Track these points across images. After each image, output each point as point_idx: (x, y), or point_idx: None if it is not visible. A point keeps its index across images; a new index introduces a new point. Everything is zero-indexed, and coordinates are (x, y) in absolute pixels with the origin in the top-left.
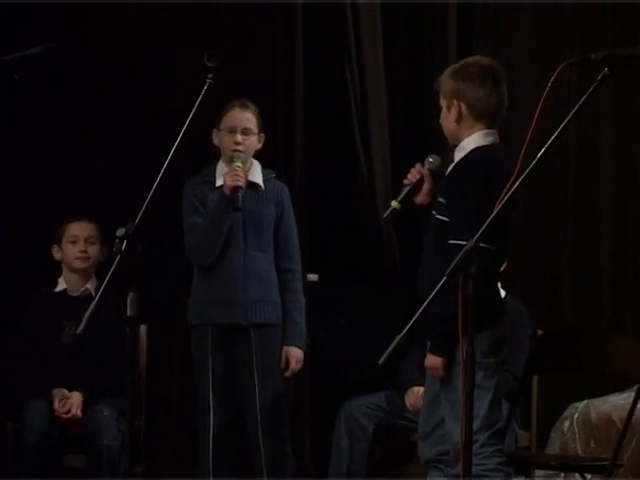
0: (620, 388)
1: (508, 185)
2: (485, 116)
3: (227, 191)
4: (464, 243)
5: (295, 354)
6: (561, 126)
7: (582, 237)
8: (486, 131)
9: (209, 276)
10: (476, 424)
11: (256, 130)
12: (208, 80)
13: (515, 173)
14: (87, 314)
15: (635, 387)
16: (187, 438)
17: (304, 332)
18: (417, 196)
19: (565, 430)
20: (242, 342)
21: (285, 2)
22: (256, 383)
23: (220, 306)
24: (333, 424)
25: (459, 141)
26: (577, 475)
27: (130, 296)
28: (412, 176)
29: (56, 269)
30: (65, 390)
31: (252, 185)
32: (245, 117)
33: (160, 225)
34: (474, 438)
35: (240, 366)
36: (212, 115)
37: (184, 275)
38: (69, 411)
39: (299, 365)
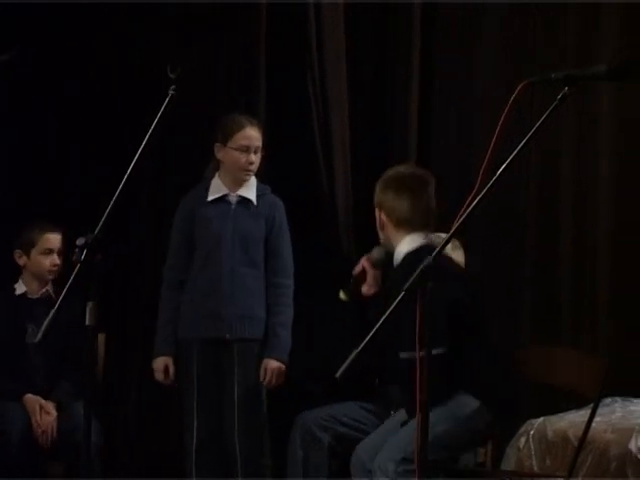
0: (576, 405)
1: (469, 199)
2: (404, 223)
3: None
4: None
5: (273, 367)
6: (521, 144)
7: (542, 250)
8: (412, 236)
9: (196, 290)
10: None
11: (262, 148)
12: (170, 92)
13: (476, 188)
14: (46, 322)
15: (591, 405)
16: (145, 447)
17: (287, 345)
18: (363, 286)
19: (521, 446)
20: (225, 356)
21: (248, 2)
22: (236, 397)
23: (206, 320)
24: (289, 436)
25: (395, 247)
26: None
27: (89, 305)
28: (358, 267)
29: (11, 272)
30: (41, 400)
31: (244, 200)
32: (257, 136)
33: (122, 235)
34: None
35: (222, 379)
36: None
37: (145, 285)
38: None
39: (280, 379)
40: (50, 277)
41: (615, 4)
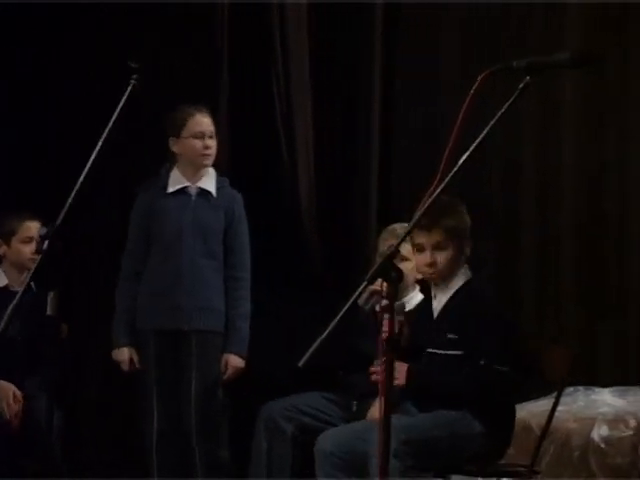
0: (539, 395)
1: (430, 190)
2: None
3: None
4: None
5: (234, 362)
6: (483, 133)
7: (505, 242)
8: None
9: (155, 281)
10: None
11: (216, 135)
12: (132, 81)
13: (437, 178)
14: (8, 312)
15: (554, 394)
16: (108, 436)
17: (246, 339)
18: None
19: None
20: (184, 348)
21: (211, 2)
22: (193, 389)
23: (164, 311)
24: (253, 426)
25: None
26: None
27: (50, 295)
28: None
29: None
30: (14, 387)
31: (203, 192)
32: (208, 121)
33: (84, 225)
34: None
35: (180, 370)
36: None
37: (106, 275)
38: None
39: (238, 372)
40: (31, 265)
41: (579, 4)
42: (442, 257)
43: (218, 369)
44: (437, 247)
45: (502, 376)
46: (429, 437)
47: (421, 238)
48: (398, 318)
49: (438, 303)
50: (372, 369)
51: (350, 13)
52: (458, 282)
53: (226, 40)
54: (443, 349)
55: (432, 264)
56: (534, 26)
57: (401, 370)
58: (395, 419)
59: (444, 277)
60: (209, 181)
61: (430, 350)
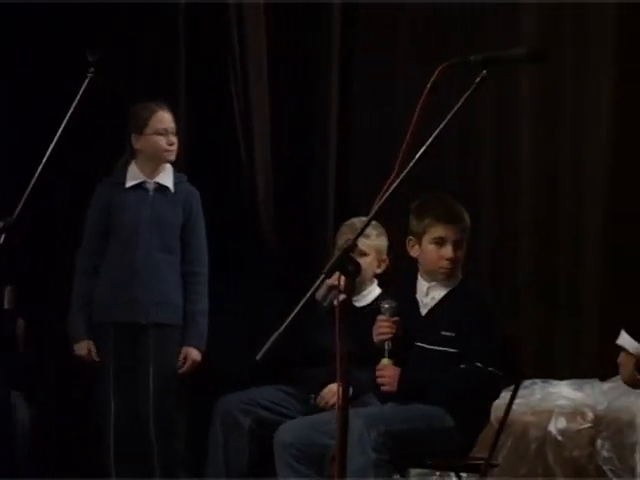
0: None
1: (388, 183)
2: None
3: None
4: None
5: (193, 355)
6: (440, 127)
7: None
8: None
9: (113, 275)
10: None
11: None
12: (89, 74)
13: (395, 171)
14: None
15: (511, 387)
16: (67, 430)
17: (204, 333)
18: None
19: None
20: (141, 341)
21: (168, 2)
22: (151, 382)
23: (122, 305)
24: (210, 420)
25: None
26: (452, 474)
27: (7, 289)
28: (388, 329)
29: None
30: None
31: (161, 187)
32: (170, 118)
33: (42, 219)
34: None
35: (138, 364)
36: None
37: (64, 270)
38: None
39: (195, 366)
40: None
41: (533, 5)
42: (460, 253)
43: (176, 362)
44: (459, 242)
45: (492, 377)
46: (408, 430)
47: (444, 232)
48: (396, 319)
49: (431, 299)
50: (378, 370)
51: (308, 13)
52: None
53: (184, 39)
54: (436, 345)
55: (454, 260)
56: (489, 26)
57: (392, 375)
58: (374, 410)
59: (453, 274)
60: (167, 176)
61: (421, 345)
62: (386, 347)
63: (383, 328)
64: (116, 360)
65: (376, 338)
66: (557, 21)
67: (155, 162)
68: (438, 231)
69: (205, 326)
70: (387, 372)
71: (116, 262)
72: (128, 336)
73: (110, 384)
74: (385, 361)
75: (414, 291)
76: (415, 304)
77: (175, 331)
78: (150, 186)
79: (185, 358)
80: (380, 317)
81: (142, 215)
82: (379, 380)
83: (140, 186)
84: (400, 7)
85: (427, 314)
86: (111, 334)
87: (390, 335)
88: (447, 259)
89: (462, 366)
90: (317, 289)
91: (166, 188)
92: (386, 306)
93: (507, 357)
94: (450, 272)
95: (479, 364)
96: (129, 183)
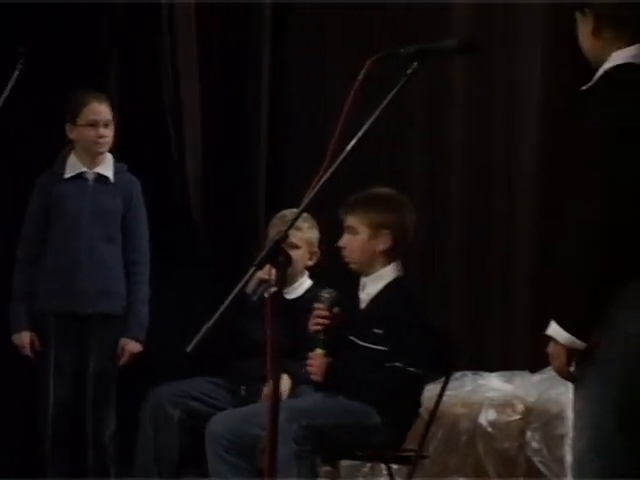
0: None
1: (319, 175)
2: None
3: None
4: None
5: (131, 347)
6: (370, 120)
7: None
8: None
9: (54, 266)
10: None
11: (112, 119)
12: (19, 66)
13: (325, 165)
14: None
15: (442, 379)
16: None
17: (144, 324)
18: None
19: None
20: (83, 331)
21: (99, 3)
22: (91, 371)
23: (64, 295)
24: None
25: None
26: (383, 466)
27: None
28: (322, 321)
29: None
30: None
31: (101, 177)
32: (104, 110)
33: None
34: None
35: (79, 354)
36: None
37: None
38: None
39: (134, 357)
40: None
41: (463, 4)
42: (353, 242)
43: (116, 353)
44: (349, 231)
45: (412, 377)
46: (331, 424)
47: (349, 221)
48: (335, 310)
49: (366, 295)
50: (309, 359)
51: (239, 13)
52: (389, 276)
53: (116, 40)
54: (367, 342)
55: (343, 248)
56: (419, 25)
57: (320, 365)
58: (298, 403)
59: (360, 265)
60: (107, 166)
61: (353, 339)
62: (321, 337)
63: (318, 319)
64: (57, 350)
65: (310, 328)
66: (488, 21)
67: (90, 153)
68: (346, 220)
69: (146, 316)
70: (315, 362)
71: (58, 253)
72: (70, 326)
73: (50, 374)
74: (318, 351)
75: (357, 286)
76: (356, 299)
77: (118, 321)
78: (90, 176)
79: (123, 350)
80: (317, 306)
81: (82, 205)
82: (308, 369)
83: (80, 176)
84: (331, 6)
85: (363, 310)
86: (53, 324)
87: (322, 327)
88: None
89: (385, 365)
90: (248, 281)
91: (106, 178)
92: (326, 295)
93: (437, 350)
94: (349, 262)
95: (399, 364)
96: (68, 174)
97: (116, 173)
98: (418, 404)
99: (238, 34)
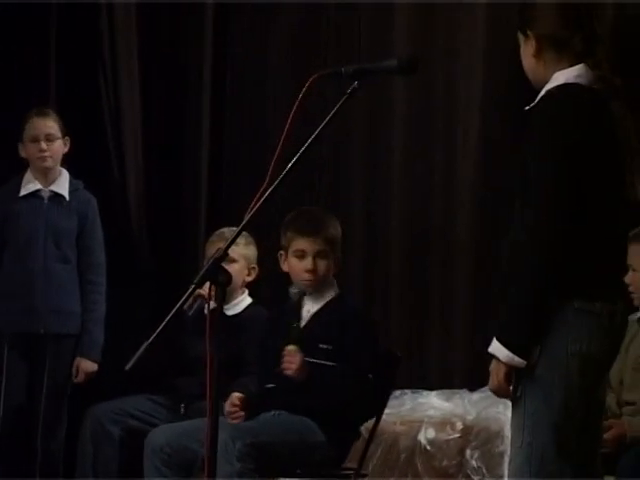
0: None
1: (259, 194)
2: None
3: None
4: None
5: (86, 366)
6: (311, 138)
7: None
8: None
9: (9, 285)
10: None
11: (59, 134)
12: None
13: (267, 180)
14: None
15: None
16: None
17: (99, 343)
18: None
19: None
20: (38, 350)
21: (39, 2)
22: (44, 390)
23: (18, 314)
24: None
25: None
26: None
27: None
28: (292, 366)
29: None
30: None
31: (57, 196)
32: (45, 124)
33: None
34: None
35: (32, 373)
36: None
37: None
38: None
39: (90, 377)
40: None
41: (407, 5)
42: (323, 264)
43: (70, 372)
44: (319, 255)
45: (363, 390)
46: (276, 442)
47: (303, 244)
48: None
49: (307, 312)
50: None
51: (180, 13)
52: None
53: (54, 40)
54: (314, 357)
55: (313, 271)
56: (362, 30)
57: (295, 361)
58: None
59: (318, 286)
60: (62, 184)
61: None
62: (292, 335)
63: (288, 364)
64: (9, 369)
65: (284, 371)
66: (429, 25)
67: (38, 169)
68: (298, 244)
69: (101, 336)
70: (291, 358)
71: (12, 272)
72: (24, 345)
73: (1, 393)
74: (291, 347)
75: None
76: (298, 316)
77: (72, 341)
78: (45, 194)
79: (77, 369)
80: (287, 350)
81: (37, 224)
82: (285, 365)
83: (35, 195)
84: (274, 7)
85: (304, 327)
86: (7, 343)
87: (295, 371)
88: (306, 271)
89: (336, 379)
90: (187, 299)
91: (61, 196)
92: (295, 291)
93: (379, 368)
94: (312, 284)
95: (350, 378)
96: (22, 192)
97: (72, 191)
98: (356, 423)
99: (179, 36)
